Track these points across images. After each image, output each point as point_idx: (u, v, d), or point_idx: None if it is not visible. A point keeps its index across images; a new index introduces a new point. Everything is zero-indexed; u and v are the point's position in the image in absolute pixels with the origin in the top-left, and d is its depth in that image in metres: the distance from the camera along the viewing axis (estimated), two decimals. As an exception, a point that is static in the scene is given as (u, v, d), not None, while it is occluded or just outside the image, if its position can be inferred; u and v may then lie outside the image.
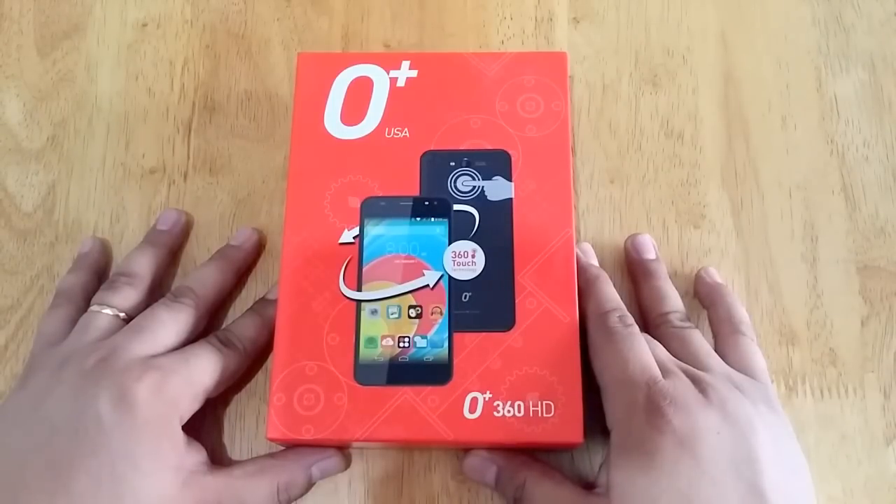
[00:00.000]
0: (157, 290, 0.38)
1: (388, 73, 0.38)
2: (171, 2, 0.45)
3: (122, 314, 0.35)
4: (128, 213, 0.41)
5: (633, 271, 0.39)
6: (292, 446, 0.35)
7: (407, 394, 0.33)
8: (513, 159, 0.36)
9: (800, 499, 0.30)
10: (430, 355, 0.34)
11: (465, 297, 0.34)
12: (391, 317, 0.34)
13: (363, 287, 0.35)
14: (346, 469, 0.36)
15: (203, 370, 0.33)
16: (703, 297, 0.38)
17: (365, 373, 0.33)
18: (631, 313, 0.34)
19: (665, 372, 0.32)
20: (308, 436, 0.33)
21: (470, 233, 0.35)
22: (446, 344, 0.34)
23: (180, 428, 0.32)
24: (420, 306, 0.34)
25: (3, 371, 0.38)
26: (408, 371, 0.34)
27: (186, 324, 0.35)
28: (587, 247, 0.38)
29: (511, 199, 0.36)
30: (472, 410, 0.33)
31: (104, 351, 0.32)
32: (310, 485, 0.35)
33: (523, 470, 0.33)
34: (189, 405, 0.33)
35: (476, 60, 0.38)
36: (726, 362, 0.34)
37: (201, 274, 0.37)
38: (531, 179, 0.36)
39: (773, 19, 0.44)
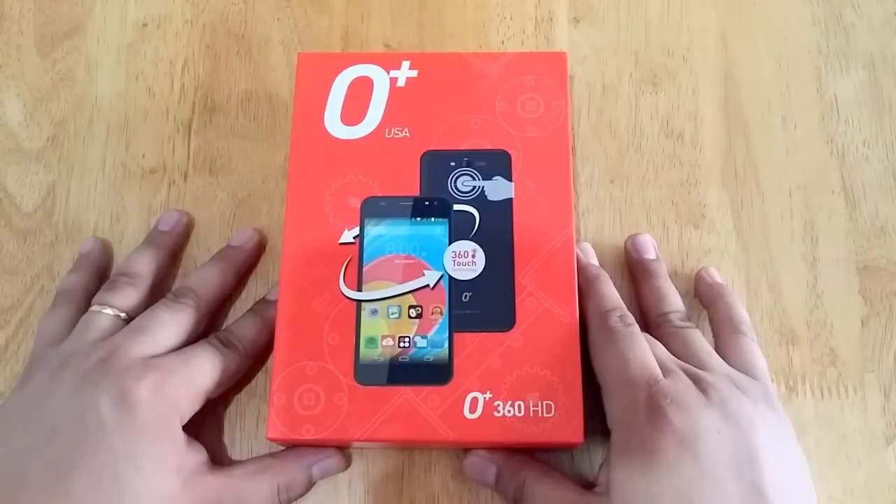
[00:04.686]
0: (158, 291, 0.38)
1: (388, 73, 0.38)
2: (171, 2, 0.45)
3: (122, 314, 0.35)
4: (128, 213, 0.41)
5: (634, 271, 0.39)
6: (292, 446, 0.35)
7: (407, 394, 0.33)
8: (513, 159, 0.36)
9: (800, 498, 0.30)
10: (431, 355, 0.34)
11: (466, 297, 0.34)
12: (391, 317, 0.34)
13: (363, 287, 0.35)
14: (346, 469, 0.36)
15: (203, 371, 0.33)
16: (703, 296, 0.38)
17: (365, 373, 0.33)
18: (631, 313, 0.34)
19: (666, 371, 0.32)
20: (308, 436, 0.33)
21: (470, 233, 0.35)
22: (446, 344, 0.34)
23: (181, 428, 0.32)
24: (420, 306, 0.34)
25: (3, 371, 0.38)
26: (408, 371, 0.34)
27: (187, 324, 0.35)
28: (587, 246, 0.38)
29: (511, 199, 0.36)
30: (472, 410, 0.33)
31: (105, 351, 0.32)
32: (310, 485, 0.35)
33: (523, 470, 0.33)
34: (189, 405, 0.33)
35: (476, 60, 0.38)
36: (727, 362, 0.34)
37: (202, 274, 0.37)
38: (531, 179, 0.36)
39: (773, 19, 0.44)
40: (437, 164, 0.36)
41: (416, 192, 0.36)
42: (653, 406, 0.30)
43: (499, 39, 0.44)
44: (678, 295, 0.37)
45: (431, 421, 0.33)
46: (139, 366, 0.32)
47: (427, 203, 0.36)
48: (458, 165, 0.36)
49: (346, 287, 0.35)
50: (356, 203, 0.36)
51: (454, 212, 0.36)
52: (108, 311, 0.35)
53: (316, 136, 0.37)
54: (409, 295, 0.35)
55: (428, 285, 0.35)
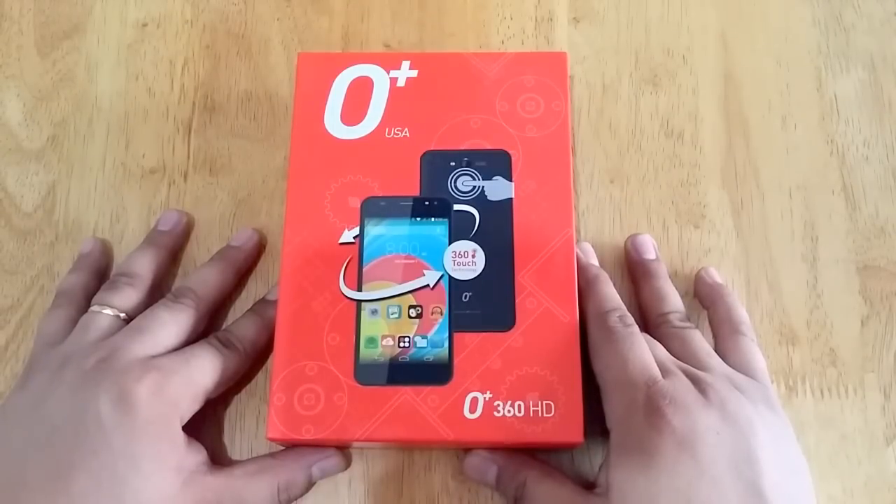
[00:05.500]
0: (158, 291, 0.38)
1: (388, 73, 0.38)
2: (171, 2, 0.45)
3: (122, 314, 0.35)
4: (128, 213, 0.41)
5: (633, 271, 0.39)
6: (292, 446, 0.35)
7: (407, 394, 0.33)
8: (513, 159, 0.36)
9: (800, 499, 0.30)
10: (431, 355, 0.34)
11: (466, 297, 0.34)
12: (391, 317, 0.34)
13: (363, 287, 0.35)
14: (346, 469, 0.36)
15: (203, 371, 0.33)
16: (703, 297, 0.38)
17: (365, 373, 0.33)
18: (631, 313, 0.34)
19: (665, 372, 0.32)
20: (308, 436, 0.33)
21: (470, 233, 0.35)
22: (446, 344, 0.34)
23: (181, 428, 0.32)
24: (420, 306, 0.34)
25: (3, 371, 0.38)
26: (408, 371, 0.34)
27: (187, 324, 0.35)
28: (587, 246, 0.38)
29: (511, 199, 0.36)
30: (472, 410, 0.33)
31: (104, 351, 0.32)
32: (310, 484, 0.35)
33: (523, 469, 0.33)
34: (189, 406, 0.33)
35: (476, 60, 0.38)
36: (726, 362, 0.34)
37: (202, 274, 0.37)
38: (531, 179, 0.36)
39: (773, 19, 0.44)
40: (437, 164, 0.36)
41: (416, 192, 0.36)
42: (652, 407, 0.30)
43: (499, 39, 0.44)
44: (678, 295, 0.37)
45: (431, 421, 0.33)
46: (139, 366, 0.32)
47: (427, 203, 0.36)
48: (458, 165, 0.36)
49: (346, 287, 0.35)
50: (356, 203, 0.36)
51: (454, 212, 0.36)
52: (108, 311, 0.35)
53: (316, 136, 0.37)
54: (409, 295, 0.35)
55: (428, 285, 0.35)
